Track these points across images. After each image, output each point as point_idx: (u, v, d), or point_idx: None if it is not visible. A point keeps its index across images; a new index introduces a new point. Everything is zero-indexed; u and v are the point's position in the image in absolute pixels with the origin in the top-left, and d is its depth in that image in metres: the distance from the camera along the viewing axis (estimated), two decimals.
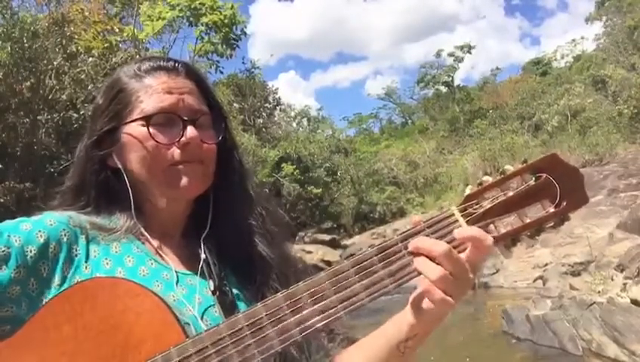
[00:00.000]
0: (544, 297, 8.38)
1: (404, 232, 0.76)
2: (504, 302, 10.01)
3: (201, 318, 0.83)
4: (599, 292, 7.45)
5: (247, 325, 0.72)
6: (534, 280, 11.98)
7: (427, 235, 0.75)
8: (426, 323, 0.80)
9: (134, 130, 0.87)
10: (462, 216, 0.75)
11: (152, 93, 0.88)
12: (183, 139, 0.86)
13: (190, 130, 0.86)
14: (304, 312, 0.72)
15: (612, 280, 7.77)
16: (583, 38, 38.23)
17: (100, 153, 0.89)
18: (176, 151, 0.86)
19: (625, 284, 7.29)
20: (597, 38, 31.32)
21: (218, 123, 0.93)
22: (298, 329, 0.72)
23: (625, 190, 15.26)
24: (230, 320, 0.73)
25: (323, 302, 0.73)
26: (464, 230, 0.73)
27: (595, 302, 7.04)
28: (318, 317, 0.72)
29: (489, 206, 0.75)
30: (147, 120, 0.86)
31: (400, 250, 0.75)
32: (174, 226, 0.94)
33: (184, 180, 0.87)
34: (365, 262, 0.74)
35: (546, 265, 12.03)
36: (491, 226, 0.75)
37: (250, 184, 0.99)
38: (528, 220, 0.75)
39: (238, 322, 0.72)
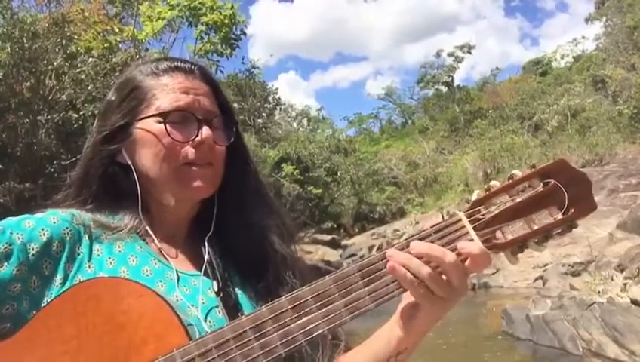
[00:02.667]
0: (544, 297, 8.38)
1: (410, 237, 0.75)
2: (504, 302, 10.02)
3: (205, 319, 0.83)
4: (599, 292, 7.45)
5: (252, 328, 0.71)
6: (534, 280, 12.00)
7: (433, 241, 0.74)
8: (416, 335, 0.80)
9: (149, 126, 0.87)
10: (469, 221, 0.75)
11: (169, 92, 0.88)
12: (198, 138, 0.86)
13: (205, 130, 0.87)
14: (308, 316, 0.72)
15: (612, 280, 7.77)
16: (583, 37, 38.26)
17: (110, 148, 0.89)
18: (190, 150, 0.87)
19: (625, 284, 7.30)
20: (597, 38, 31.33)
21: (229, 126, 0.94)
22: (302, 333, 0.71)
23: (625, 190, 15.28)
24: (234, 323, 0.72)
25: (328, 307, 0.72)
26: (467, 247, 0.73)
27: (595, 302, 7.04)
28: (322, 322, 0.72)
29: (496, 212, 0.74)
30: (164, 116, 0.86)
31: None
32: (180, 227, 0.94)
33: (196, 182, 0.87)
34: (371, 267, 0.74)
35: (546, 265, 12.04)
36: (498, 232, 0.75)
37: (263, 184, 1.00)
38: (536, 227, 0.74)
39: (242, 325, 0.72)
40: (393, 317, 0.82)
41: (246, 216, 0.95)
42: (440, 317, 0.78)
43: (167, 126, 0.86)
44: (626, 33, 25.39)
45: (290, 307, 0.72)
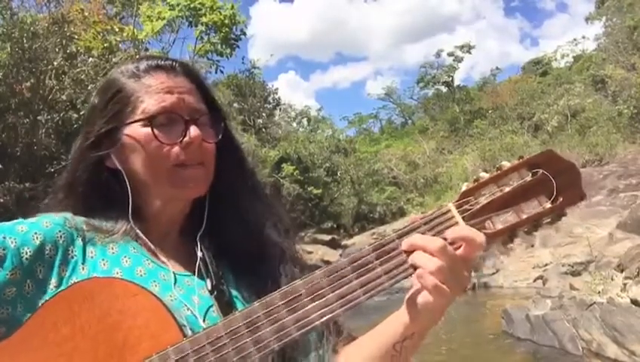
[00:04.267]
0: (544, 297, 8.38)
1: (400, 229, 0.76)
2: (504, 302, 10.02)
3: (203, 319, 0.83)
4: (599, 292, 7.44)
5: (245, 324, 0.71)
6: (534, 280, 11.99)
7: (423, 232, 0.75)
8: (422, 322, 0.79)
9: (136, 130, 0.86)
10: (458, 212, 0.75)
11: (153, 93, 0.87)
12: (187, 138, 0.85)
13: (193, 130, 0.86)
14: (301, 310, 0.72)
15: (612, 280, 7.76)
16: (583, 37, 38.24)
17: (98, 154, 0.88)
18: (179, 151, 0.86)
19: (625, 284, 7.29)
20: (597, 38, 31.30)
21: (217, 122, 0.92)
22: (295, 326, 0.71)
23: (625, 190, 15.27)
24: (227, 319, 0.72)
25: (320, 300, 0.72)
26: (456, 230, 0.73)
27: (595, 302, 7.04)
28: (315, 315, 0.72)
29: (485, 202, 0.75)
30: (150, 120, 0.85)
31: (397, 247, 0.75)
32: (173, 225, 0.94)
33: (189, 183, 0.87)
34: (362, 260, 0.74)
35: (546, 265, 12.04)
36: (488, 222, 0.75)
37: (256, 179, 1.00)
38: (525, 216, 0.75)
39: (235, 321, 0.72)
40: (402, 306, 0.81)
41: (240, 212, 0.95)
42: (444, 303, 0.75)
43: (155, 129, 0.85)
44: (626, 33, 25.36)
45: (282, 302, 0.72)
